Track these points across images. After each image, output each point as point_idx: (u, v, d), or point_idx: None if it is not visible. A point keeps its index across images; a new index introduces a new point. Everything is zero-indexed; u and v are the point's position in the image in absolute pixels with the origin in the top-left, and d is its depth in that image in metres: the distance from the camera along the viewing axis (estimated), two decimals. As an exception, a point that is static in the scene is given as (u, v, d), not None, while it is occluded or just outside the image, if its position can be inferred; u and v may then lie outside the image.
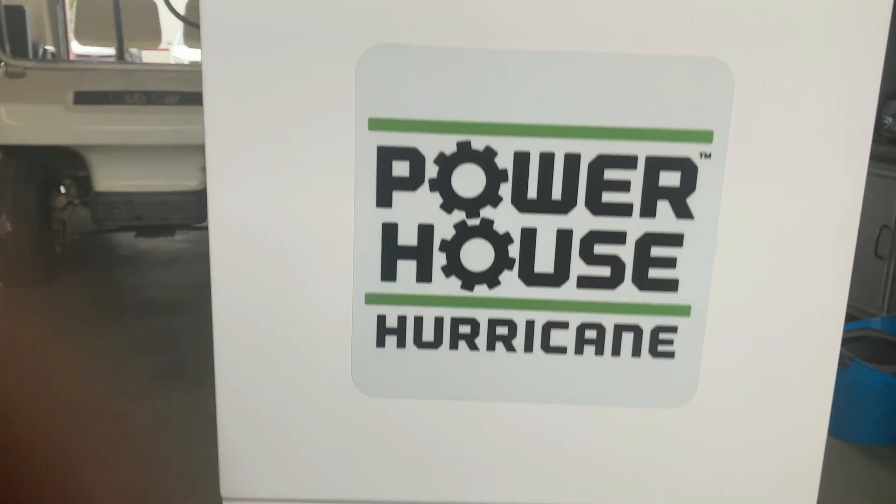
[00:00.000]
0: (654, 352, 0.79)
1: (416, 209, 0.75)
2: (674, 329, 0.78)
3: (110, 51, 5.38)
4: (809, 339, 0.79)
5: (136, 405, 3.25)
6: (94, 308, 4.29)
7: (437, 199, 0.75)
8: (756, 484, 0.82)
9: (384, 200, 0.75)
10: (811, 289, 0.77)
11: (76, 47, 5.91)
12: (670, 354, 0.79)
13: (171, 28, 6.19)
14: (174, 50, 8.79)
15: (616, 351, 0.79)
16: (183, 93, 4.20)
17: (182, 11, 5.11)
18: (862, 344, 3.34)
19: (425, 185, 0.75)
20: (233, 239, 0.76)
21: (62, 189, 4.58)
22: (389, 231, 0.76)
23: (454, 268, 0.77)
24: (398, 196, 0.75)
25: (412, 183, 0.74)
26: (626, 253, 0.76)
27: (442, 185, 0.74)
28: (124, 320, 4.12)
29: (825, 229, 0.76)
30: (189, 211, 4.41)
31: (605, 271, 0.77)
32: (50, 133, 4.17)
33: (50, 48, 5.42)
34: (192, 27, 5.19)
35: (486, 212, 0.75)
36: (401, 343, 0.79)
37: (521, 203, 0.75)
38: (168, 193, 4.35)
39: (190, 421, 3.13)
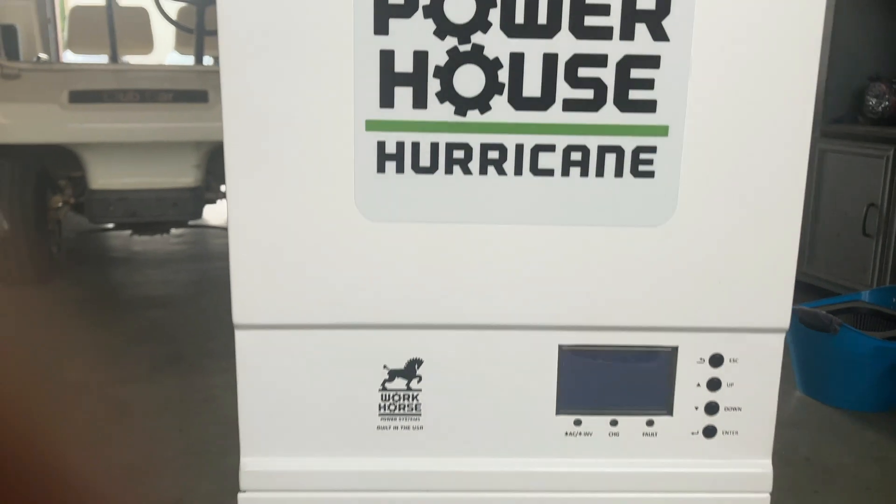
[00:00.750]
0: (635, 171, 0.85)
1: (411, 36, 0.81)
2: (653, 149, 0.84)
3: (102, 60, 5.46)
4: (780, 154, 0.84)
5: (136, 389, 3.29)
6: (92, 303, 4.32)
7: (430, 25, 0.81)
8: (733, 299, 0.88)
9: (381, 27, 0.81)
10: (780, 106, 0.83)
11: (67, 59, 5.97)
12: (650, 174, 0.85)
13: (164, 42, 6.26)
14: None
15: (600, 172, 0.85)
16: (176, 90, 4.26)
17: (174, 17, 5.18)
18: (851, 315, 3.39)
19: (419, 12, 0.80)
20: (243, 56, 0.81)
21: (57, 189, 4.62)
22: (387, 58, 0.81)
23: (448, 93, 0.82)
24: (394, 23, 0.81)
25: (407, 10, 0.80)
26: (608, 75, 0.82)
27: (435, 11, 0.80)
28: (121, 314, 4.16)
29: (792, 48, 0.82)
30: (185, 207, 4.45)
31: (588, 94, 0.83)
32: (45, 131, 4.22)
33: (43, 55, 5.49)
34: (184, 31, 5.26)
35: (477, 37, 0.81)
36: (400, 168, 0.84)
37: (510, 28, 0.81)
38: (163, 190, 4.39)
39: (187, 402, 3.18)
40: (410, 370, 0.90)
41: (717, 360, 0.90)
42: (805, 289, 4.08)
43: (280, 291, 0.87)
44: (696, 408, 0.92)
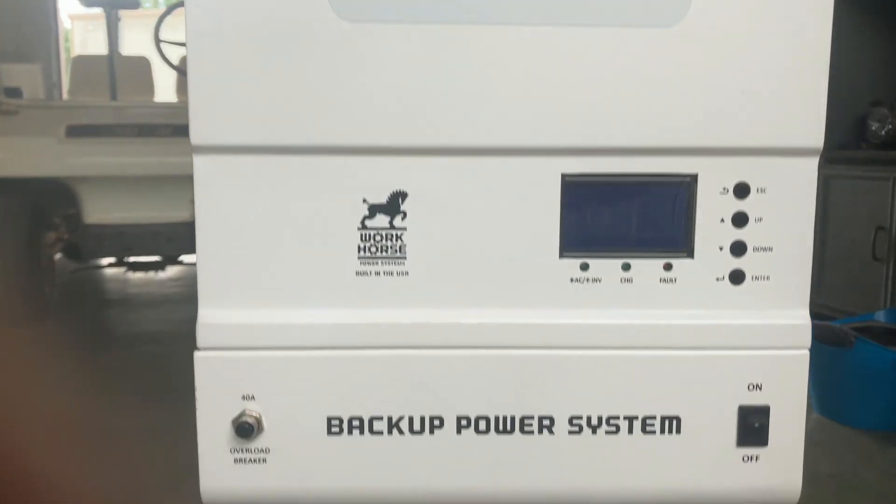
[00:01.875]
0: (643, -39, 0.75)
1: None
2: (662, -65, 0.75)
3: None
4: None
5: (124, 418, 3.19)
6: (85, 339, 4.22)
7: None
8: (758, 112, 0.77)
9: None
10: None
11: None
12: (661, -36, 0.75)
13: (165, 90, 6.28)
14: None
15: (604, -37, 0.75)
16: (175, 125, 4.23)
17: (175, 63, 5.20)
18: (867, 334, 3.27)
19: None
20: None
21: (52, 227, 4.56)
22: None
23: None
24: None
25: None
26: None
27: None
28: (115, 348, 4.06)
29: None
30: (180, 242, 4.38)
31: None
32: (41, 165, 4.18)
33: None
34: (184, 75, 5.26)
35: None
36: (379, -43, 0.75)
37: None
38: (159, 225, 4.33)
39: (174, 431, 3.05)
40: (394, 205, 0.79)
41: (742, 190, 0.79)
42: (816, 319, 3.96)
43: (243, 105, 0.76)
44: (721, 248, 0.80)
